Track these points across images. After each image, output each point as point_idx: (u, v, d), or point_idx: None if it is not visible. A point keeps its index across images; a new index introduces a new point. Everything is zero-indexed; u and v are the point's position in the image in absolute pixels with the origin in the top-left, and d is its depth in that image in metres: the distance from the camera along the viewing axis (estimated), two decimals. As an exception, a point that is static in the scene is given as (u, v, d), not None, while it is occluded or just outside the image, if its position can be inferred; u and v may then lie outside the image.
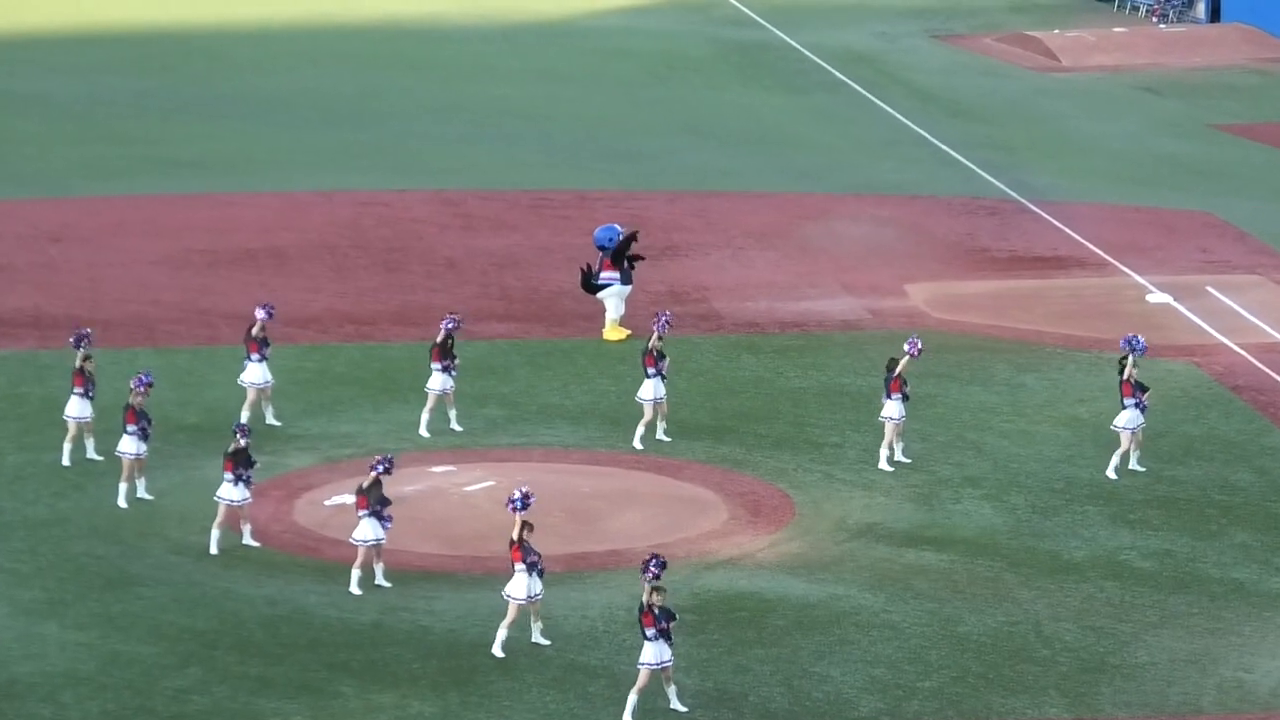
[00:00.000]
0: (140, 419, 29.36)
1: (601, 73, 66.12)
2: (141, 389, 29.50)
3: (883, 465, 31.54)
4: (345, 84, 63.23)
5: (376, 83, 63.57)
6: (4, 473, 31.23)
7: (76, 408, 30.76)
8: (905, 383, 31.60)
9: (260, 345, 32.78)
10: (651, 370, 32.13)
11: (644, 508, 30.26)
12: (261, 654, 25.45)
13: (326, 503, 29.40)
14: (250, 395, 32.81)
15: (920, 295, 42.05)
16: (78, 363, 30.82)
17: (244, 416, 32.37)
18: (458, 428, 32.86)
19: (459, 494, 30.54)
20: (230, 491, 27.94)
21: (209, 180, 50.95)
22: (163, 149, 54.13)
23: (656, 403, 32.18)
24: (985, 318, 40.47)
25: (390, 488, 30.36)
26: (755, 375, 36.48)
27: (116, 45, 67.25)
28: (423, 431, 32.75)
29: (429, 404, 32.82)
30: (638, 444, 31.70)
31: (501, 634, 25.36)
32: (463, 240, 45.83)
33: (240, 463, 27.91)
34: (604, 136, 57.24)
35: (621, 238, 38.76)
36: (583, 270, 39.24)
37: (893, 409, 31.53)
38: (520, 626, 25.48)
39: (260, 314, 33.00)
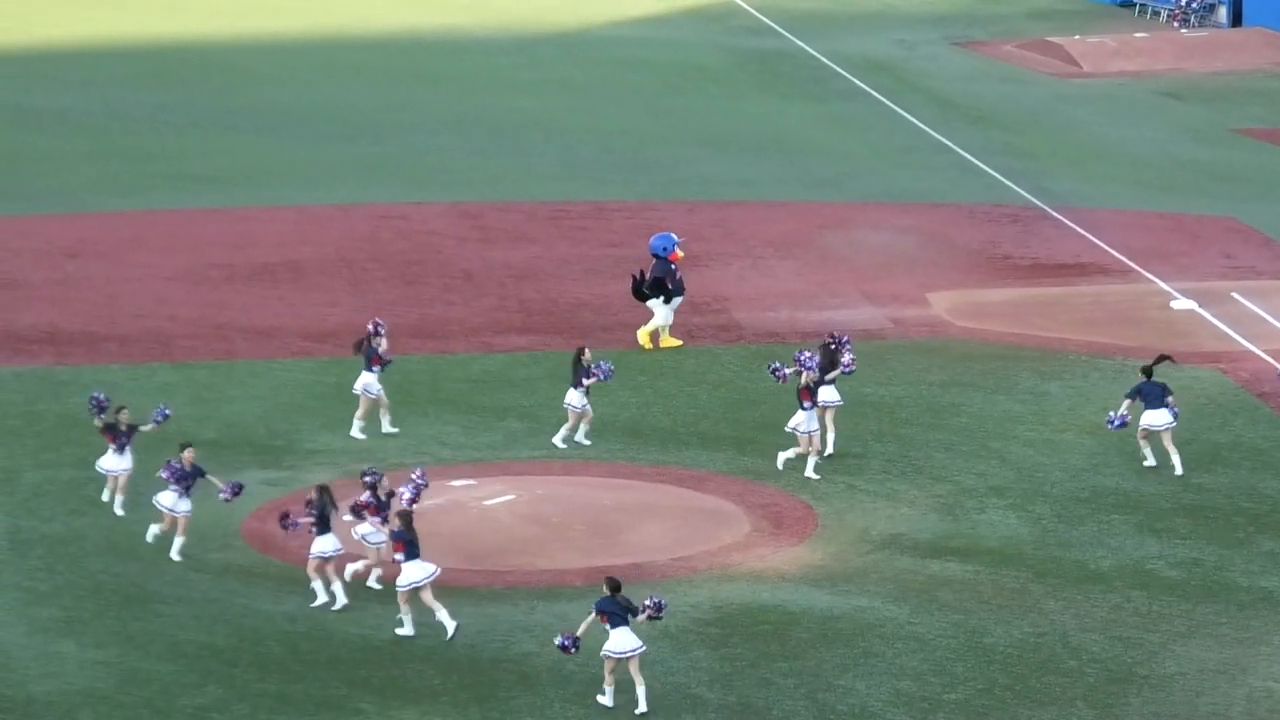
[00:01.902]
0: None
1: (618, 83, 66.05)
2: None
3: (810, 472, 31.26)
4: (362, 96, 63.19)
5: (393, 95, 63.53)
6: (21, 490, 31.17)
7: (112, 461, 29.80)
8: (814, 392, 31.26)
9: (380, 358, 32.95)
10: (808, 404, 31.31)
11: (665, 520, 30.14)
12: (281, 671, 25.36)
13: (345, 518, 29.21)
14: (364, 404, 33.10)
15: (942, 304, 41.91)
16: (101, 422, 29.67)
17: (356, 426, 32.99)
18: (587, 441, 32.66)
19: (478, 508, 30.43)
20: (176, 503, 28.18)
21: (225, 195, 50.88)
22: (179, 163, 54.11)
23: (810, 435, 31.38)
24: (1008, 326, 40.31)
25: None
26: (777, 386, 36.25)
27: (132, 59, 67.29)
28: (557, 442, 32.68)
29: (577, 420, 32.70)
30: (812, 473, 31.23)
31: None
32: (481, 252, 45.77)
33: (180, 476, 28.16)
34: (621, 147, 57.13)
35: (652, 276, 38.51)
36: (634, 277, 39.04)
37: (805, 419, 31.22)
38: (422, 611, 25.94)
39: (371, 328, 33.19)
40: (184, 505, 28.25)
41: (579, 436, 32.78)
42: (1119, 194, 52.17)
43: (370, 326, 33.41)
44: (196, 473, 28.32)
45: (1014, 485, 31.66)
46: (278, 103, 62.01)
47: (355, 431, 33.19)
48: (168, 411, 29.75)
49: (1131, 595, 27.71)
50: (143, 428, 29.52)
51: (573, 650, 24.43)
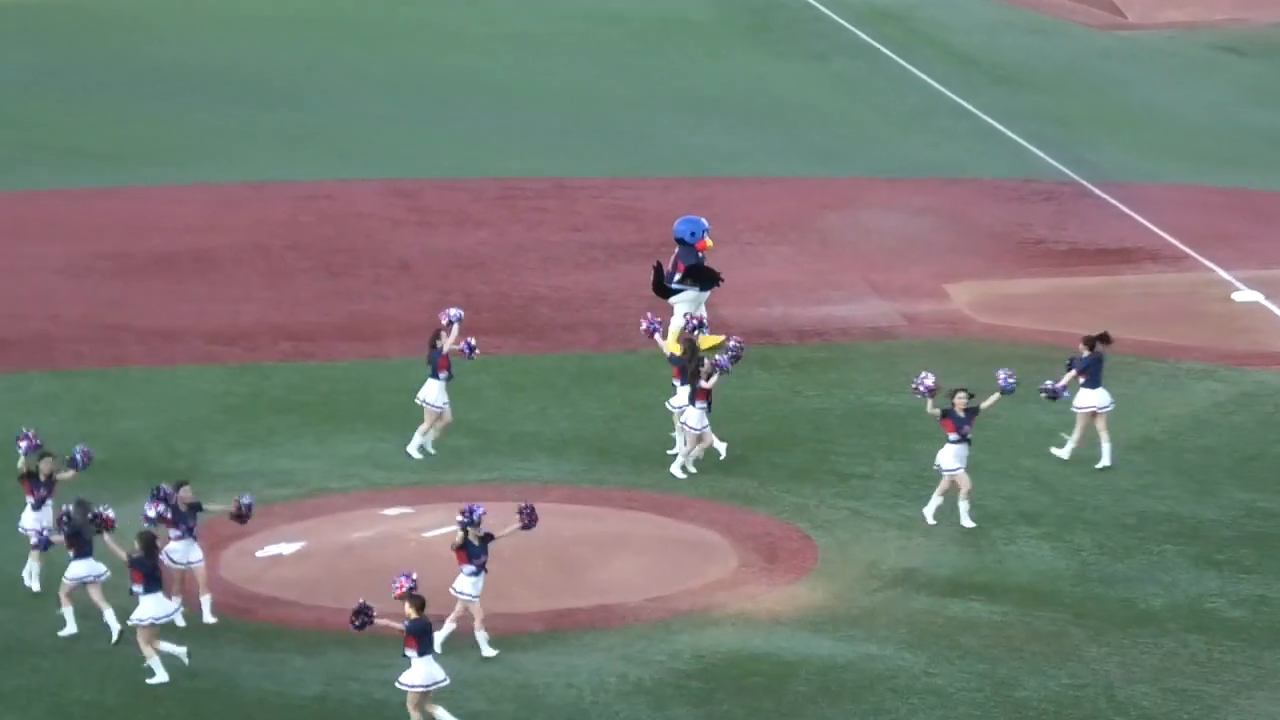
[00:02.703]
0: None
1: (584, 39, 66.09)
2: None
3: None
4: (281, 55, 63.16)
5: (317, 53, 63.50)
6: (-125, 523, 31.02)
7: (29, 518, 28.82)
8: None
9: (449, 361, 33.00)
10: (953, 436, 30.87)
11: (638, 554, 30.09)
12: (183, 736, 25.24)
13: (259, 554, 29.22)
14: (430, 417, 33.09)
15: (963, 296, 42.03)
16: (24, 467, 28.79)
17: (417, 441, 32.99)
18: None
19: (417, 541, 30.32)
20: (183, 551, 27.62)
21: (117, 172, 50.89)
22: (62, 136, 54.05)
23: (956, 474, 30.96)
24: (1041, 322, 40.38)
25: (336, 534, 30.21)
26: (769, 394, 36.31)
27: (5, 14, 67.08)
28: (692, 468, 32.55)
29: (695, 444, 32.45)
30: (968, 521, 30.91)
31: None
32: (420, 238, 45.80)
33: (180, 519, 27.55)
34: (587, 114, 57.25)
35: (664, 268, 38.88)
36: (655, 267, 39.16)
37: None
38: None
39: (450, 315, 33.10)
40: (196, 553, 27.78)
41: (676, 466, 32.47)
42: (1171, 166, 52.35)
43: (443, 319, 33.26)
44: (196, 510, 27.85)
45: (1049, 510, 31.63)
46: (179, 63, 61.92)
47: (411, 448, 33.12)
48: (89, 452, 28.81)
49: (1188, 640, 27.68)
50: (60, 476, 28.83)
51: (365, 620, 24.62)
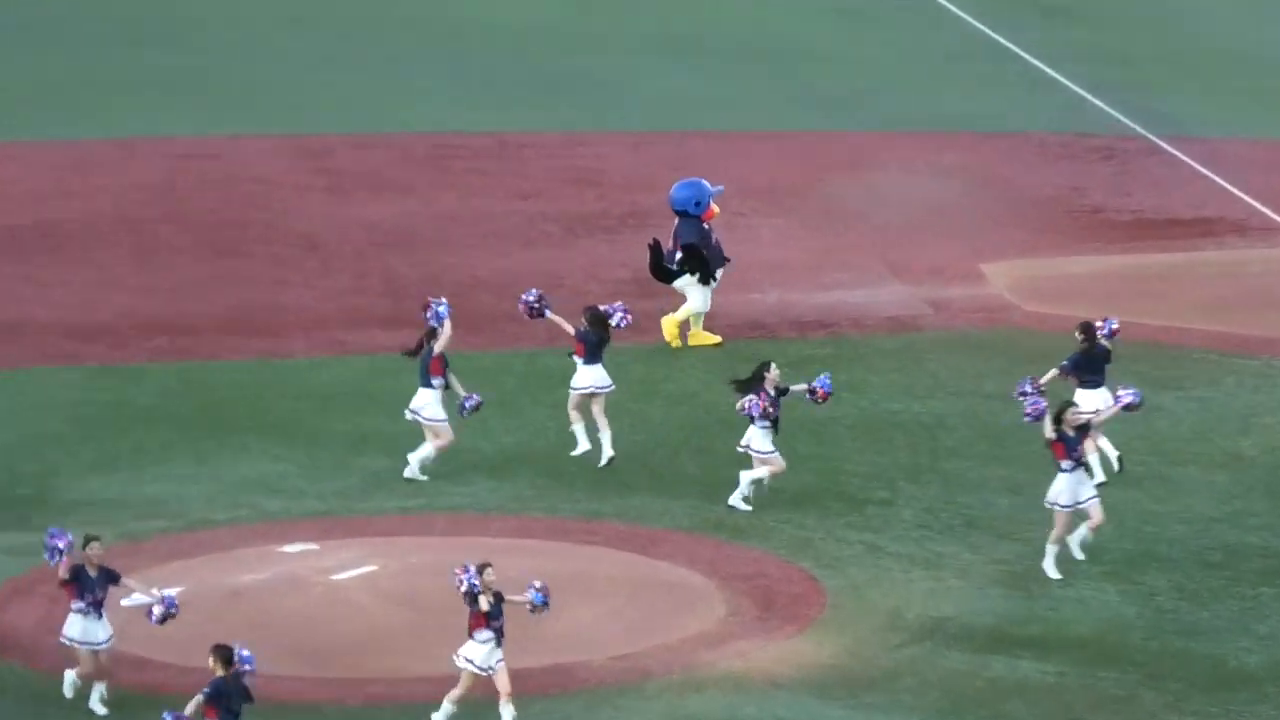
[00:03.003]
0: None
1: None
2: None
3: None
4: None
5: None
6: None
7: None
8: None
9: (443, 364, 33.11)
10: (1066, 465, 30.48)
11: (603, 601, 30.07)
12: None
13: (124, 602, 28.65)
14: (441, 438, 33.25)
15: (1003, 279, 42.09)
16: None
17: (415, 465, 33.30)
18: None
19: (324, 584, 30.32)
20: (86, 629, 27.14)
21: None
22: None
23: (1067, 509, 30.61)
24: (1099, 309, 40.02)
25: (222, 577, 29.82)
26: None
27: None
28: (736, 502, 32.44)
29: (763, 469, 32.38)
30: (1053, 570, 30.72)
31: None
32: (330, 208, 45.88)
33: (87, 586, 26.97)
34: (536, 55, 57.34)
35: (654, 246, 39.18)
36: (651, 247, 39.29)
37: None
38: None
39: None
40: (101, 632, 27.23)
41: (734, 499, 32.41)
42: (1257, 117, 52.70)
43: (427, 312, 33.21)
44: (108, 578, 27.31)
45: (1113, 544, 31.47)
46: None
47: (410, 471, 33.25)
48: None
49: (1291, 705, 27.72)
50: None
51: None
